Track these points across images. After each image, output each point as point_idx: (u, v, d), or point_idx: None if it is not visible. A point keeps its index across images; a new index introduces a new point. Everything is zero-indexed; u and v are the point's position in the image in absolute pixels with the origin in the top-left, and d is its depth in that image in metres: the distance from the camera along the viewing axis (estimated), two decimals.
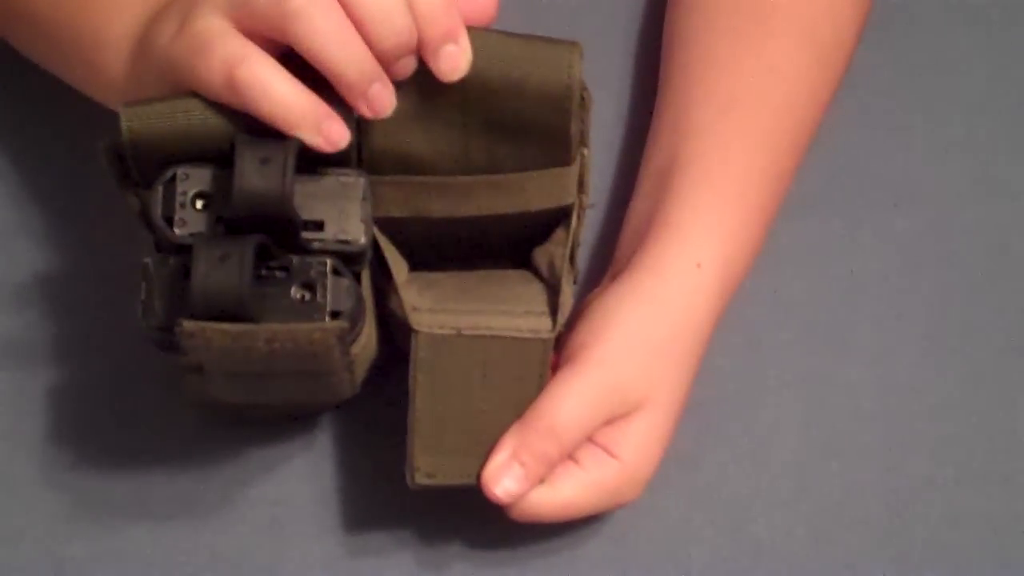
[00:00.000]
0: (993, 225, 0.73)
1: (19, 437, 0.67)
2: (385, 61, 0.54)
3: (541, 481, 0.60)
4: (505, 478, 0.59)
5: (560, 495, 0.60)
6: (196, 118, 0.54)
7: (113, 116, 0.55)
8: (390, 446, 0.63)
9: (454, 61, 0.55)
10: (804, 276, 0.69)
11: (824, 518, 0.66)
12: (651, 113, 0.72)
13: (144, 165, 0.55)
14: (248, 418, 0.66)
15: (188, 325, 0.52)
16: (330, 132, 0.54)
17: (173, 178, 0.54)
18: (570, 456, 0.61)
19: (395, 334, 0.62)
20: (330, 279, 0.54)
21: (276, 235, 0.54)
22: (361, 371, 0.60)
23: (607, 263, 0.68)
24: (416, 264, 0.62)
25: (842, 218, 0.72)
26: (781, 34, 0.69)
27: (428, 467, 0.59)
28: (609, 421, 0.61)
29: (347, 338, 0.55)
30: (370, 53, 0.54)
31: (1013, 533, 0.66)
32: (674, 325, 0.62)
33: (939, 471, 0.67)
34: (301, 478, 0.66)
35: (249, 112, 0.53)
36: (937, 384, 0.69)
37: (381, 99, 0.55)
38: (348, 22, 0.53)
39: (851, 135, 0.72)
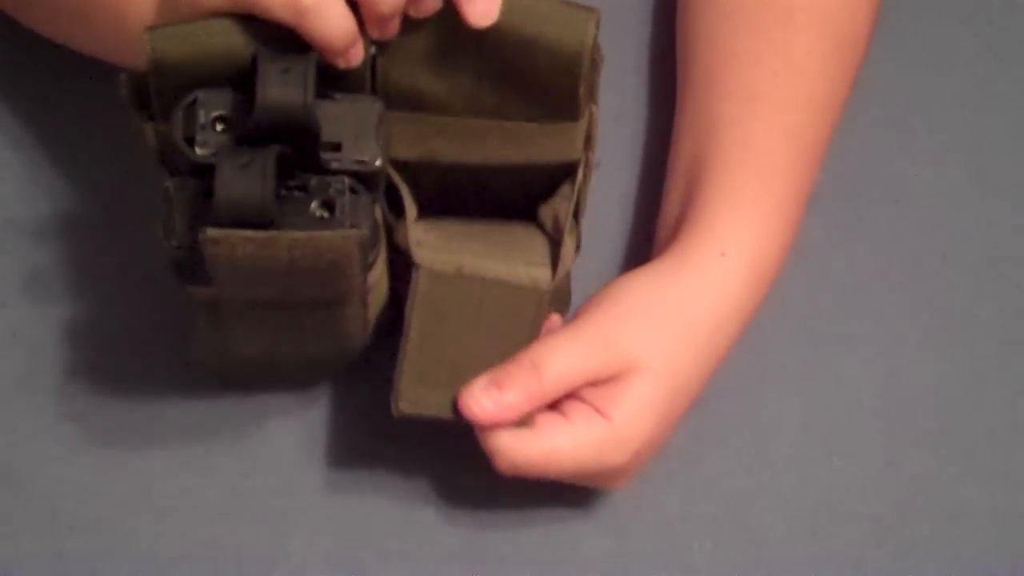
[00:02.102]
0: (993, 222, 0.74)
1: (20, 432, 0.67)
2: None
3: (522, 420, 0.60)
4: (483, 398, 0.59)
5: (545, 443, 0.60)
6: (217, 39, 0.55)
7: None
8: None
9: (486, 6, 0.56)
10: (805, 273, 0.69)
11: (825, 513, 0.66)
12: (666, 103, 0.73)
13: (165, 88, 0.56)
14: (255, 382, 0.67)
15: (212, 232, 0.52)
16: (354, 54, 0.56)
17: (194, 102, 0.55)
18: (559, 411, 0.60)
19: (399, 281, 0.63)
20: (348, 197, 0.55)
21: (295, 154, 0.55)
22: (373, 312, 0.61)
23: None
24: (425, 214, 0.63)
25: (842, 215, 0.72)
26: (800, 28, 0.69)
27: (413, 396, 0.60)
28: (600, 380, 0.60)
29: (366, 250, 0.56)
30: (353, 20, 0.55)
31: (1014, 529, 0.66)
32: (684, 303, 0.62)
33: (940, 467, 0.67)
34: (302, 472, 0.66)
35: (301, 33, 0.54)
36: (938, 380, 0.70)
37: (355, 56, 0.56)
38: (344, 4, 0.54)
39: (852, 133, 0.72)
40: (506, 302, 0.61)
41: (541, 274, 0.61)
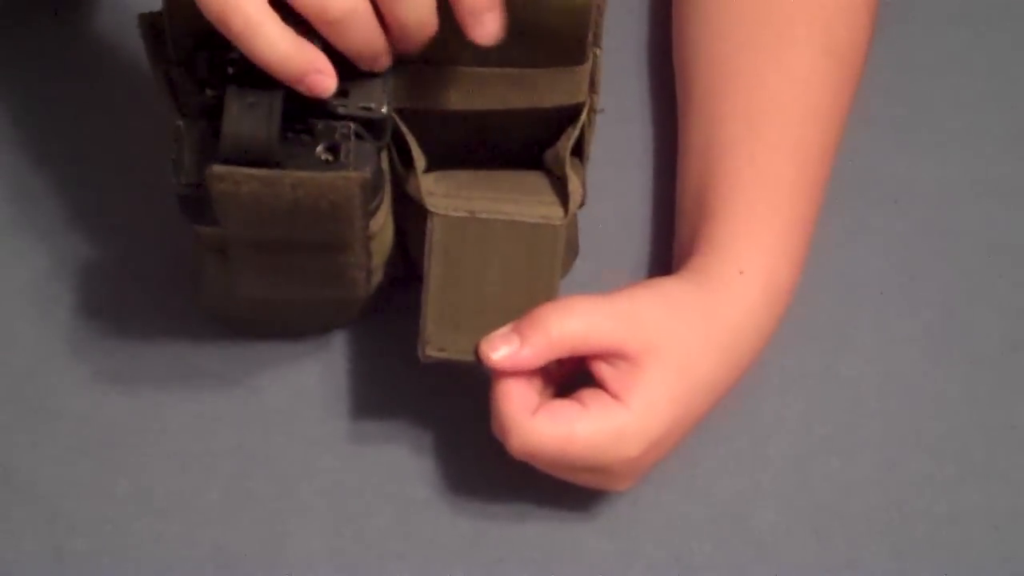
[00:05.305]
0: (992, 223, 0.74)
1: (19, 431, 0.67)
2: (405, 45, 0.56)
3: (540, 366, 0.60)
4: (503, 346, 0.60)
5: (562, 428, 0.60)
6: None
7: None
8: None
9: (494, 27, 0.56)
10: (805, 273, 0.69)
11: (824, 515, 0.66)
12: (667, 103, 0.73)
13: (179, 35, 0.56)
14: (261, 329, 0.68)
15: (218, 169, 0.54)
16: (314, 83, 0.54)
17: (206, 44, 0.56)
18: (578, 400, 0.60)
19: (408, 236, 0.64)
20: (353, 142, 0.56)
21: (303, 99, 0.55)
22: (377, 261, 0.61)
23: None
24: (433, 166, 0.64)
25: (843, 216, 0.72)
26: (800, 43, 0.69)
27: (439, 341, 0.61)
28: (619, 355, 0.60)
29: (368, 194, 0.56)
30: (383, 37, 0.55)
31: (1013, 530, 0.66)
32: (707, 311, 0.63)
33: (939, 468, 0.68)
34: (303, 474, 0.66)
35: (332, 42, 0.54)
36: (937, 381, 0.70)
37: (382, 64, 0.56)
38: (376, 22, 0.54)
39: (852, 134, 0.72)
40: (521, 241, 0.62)
41: (552, 212, 0.62)
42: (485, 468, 0.66)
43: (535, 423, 0.59)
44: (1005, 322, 0.71)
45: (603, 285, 0.63)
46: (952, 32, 0.79)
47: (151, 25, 0.57)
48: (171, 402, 0.67)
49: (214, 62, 0.54)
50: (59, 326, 0.69)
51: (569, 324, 0.60)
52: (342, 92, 0.56)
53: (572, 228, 0.66)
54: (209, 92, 0.56)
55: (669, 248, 0.70)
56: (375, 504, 0.66)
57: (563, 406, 0.60)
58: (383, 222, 0.61)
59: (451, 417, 0.67)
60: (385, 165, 0.60)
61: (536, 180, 0.64)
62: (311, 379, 0.68)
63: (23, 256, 0.70)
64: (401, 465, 0.66)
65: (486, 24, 0.56)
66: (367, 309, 0.68)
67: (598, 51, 0.62)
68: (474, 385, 0.66)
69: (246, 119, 0.53)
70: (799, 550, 0.66)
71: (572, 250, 0.68)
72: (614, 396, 0.60)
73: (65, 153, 0.73)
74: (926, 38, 0.79)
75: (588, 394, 0.60)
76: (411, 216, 0.63)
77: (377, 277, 0.63)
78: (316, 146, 0.56)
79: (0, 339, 0.69)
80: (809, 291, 0.70)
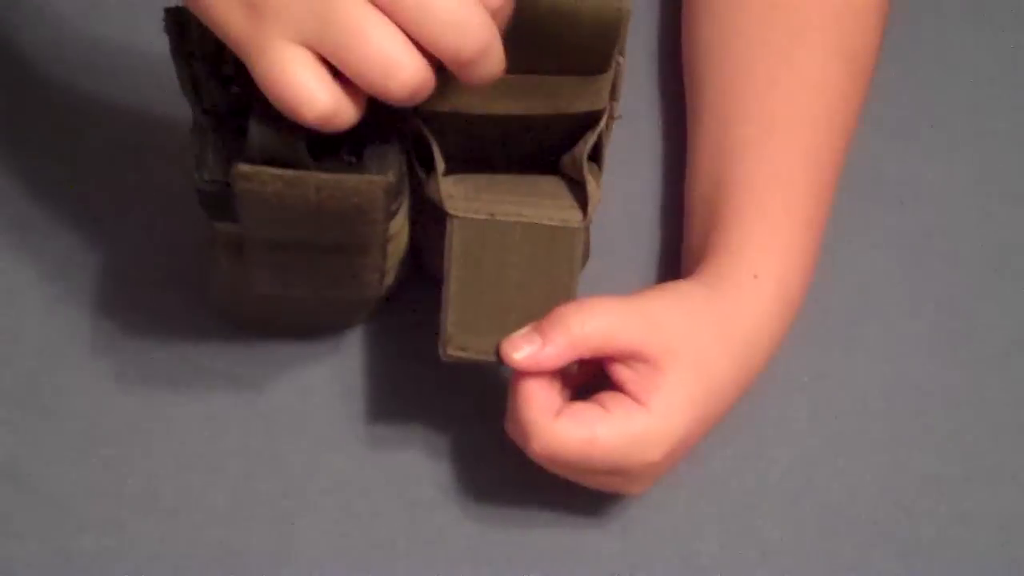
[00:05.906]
0: (998, 223, 0.74)
1: (26, 431, 0.67)
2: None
3: (561, 366, 0.60)
4: (525, 345, 0.60)
5: (585, 431, 0.59)
6: None
7: None
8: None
9: (491, 68, 0.54)
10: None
11: (831, 515, 0.66)
12: (672, 103, 0.73)
13: (206, 31, 0.56)
14: (273, 328, 0.68)
15: (244, 168, 0.54)
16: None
17: None
18: (598, 403, 0.60)
19: (419, 238, 0.64)
20: (376, 145, 0.57)
21: None
22: (392, 262, 0.61)
23: None
24: (451, 170, 0.64)
25: (849, 217, 0.72)
26: (813, 45, 0.69)
27: (460, 341, 0.61)
28: (637, 357, 0.60)
29: (391, 196, 0.56)
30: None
31: (1020, 531, 0.67)
32: (721, 316, 0.63)
33: (946, 469, 0.68)
34: (310, 473, 0.66)
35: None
36: (943, 382, 0.70)
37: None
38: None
39: (858, 135, 0.72)
40: (541, 244, 0.62)
41: (572, 215, 0.62)
42: (493, 469, 0.66)
43: (558, 426, 0.59)
44: (1011, 322, 0.71)
45: (612, 286, 0.63)
46: (958, 32, 0.79)
47: (176, 19, 0.57)
48: (179, 401, 0.67)
49: (240, 59, 0.55)
50: (66, 325, 0.69)
51: (590, 323, 0.60)
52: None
53: (585, 235, 0.66)
54: (234, 89, 0.56)
55: (678, 250, 0.70)
56: (383, 505, 0.66)
57: (585, 409, 0.60)
58: (400, 225, 0.61)
59: (460, 418, 0.67)
60: (403, 168, 0.60)
61: (554, 184, 0.64)
62: (319, 379, 0.68)
63: (30, 255, 0.70)
64: (409, 466, 0.66)
65: (479, 70, 0.54)
66: (377, 310, 0.68)
67: (621, 59, 0.62)
68: (482, 386, 0.66)
69: (273, 121, 0.53)
70: (806, 551, 0.66)
71: (584, 253, 0.68)
72: (634, 399, 0.60)
73: (71, 151, 0.73)
74: (932, 38, 0.79)
75: (608, 397, 0.60)
76: (424, 218, 0.63)
77: (389, 279, 0.63)
78: (340, 148, 0.56)
79: (6, 338, 0.69)
80: (815, 292, 0.70)
